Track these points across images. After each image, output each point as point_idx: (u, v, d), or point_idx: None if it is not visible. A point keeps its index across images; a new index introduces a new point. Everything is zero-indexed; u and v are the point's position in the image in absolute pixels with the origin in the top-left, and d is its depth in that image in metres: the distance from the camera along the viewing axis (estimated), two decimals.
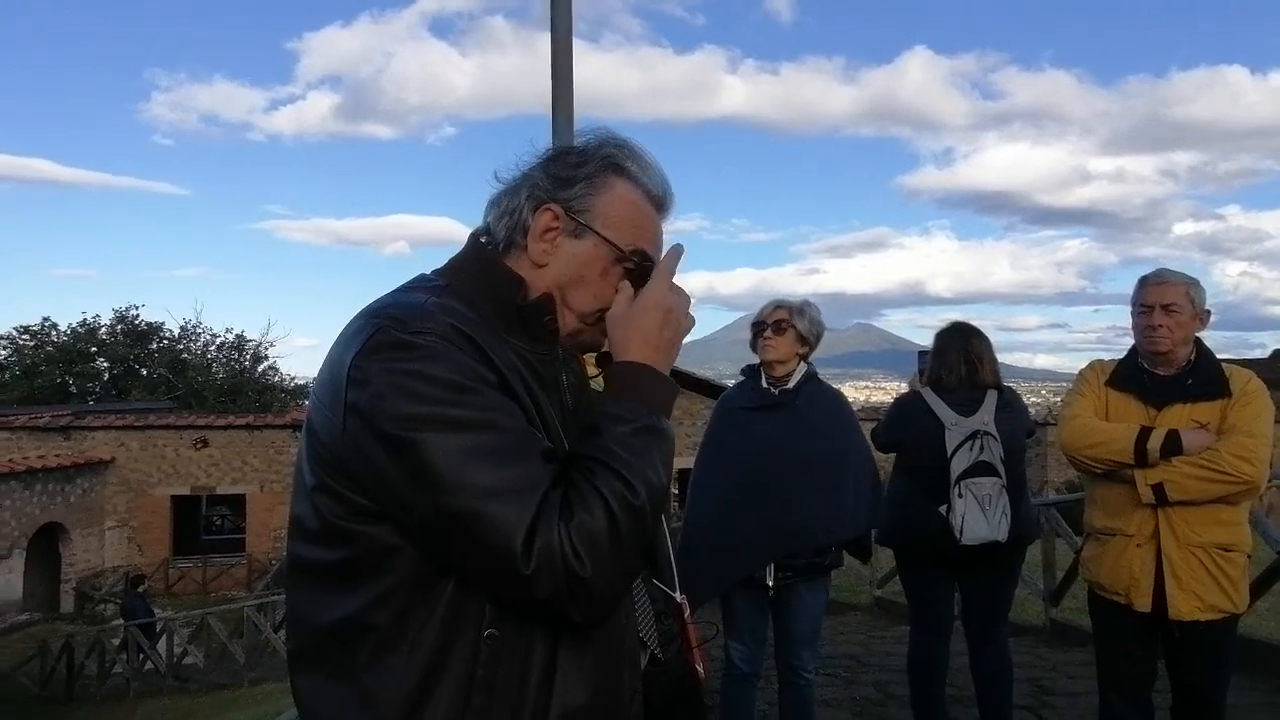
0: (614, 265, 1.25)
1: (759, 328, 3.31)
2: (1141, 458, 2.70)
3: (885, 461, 3.77)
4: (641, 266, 1.26)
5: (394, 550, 1.08)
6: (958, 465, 3.28)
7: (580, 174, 1.25)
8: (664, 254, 1.27)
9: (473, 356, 1.09)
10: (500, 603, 1.09)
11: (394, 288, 1.23)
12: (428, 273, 1.28)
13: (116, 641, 14.84)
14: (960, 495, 3.26)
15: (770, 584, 3.17)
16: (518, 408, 1.11)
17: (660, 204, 1.31)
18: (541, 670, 1.12)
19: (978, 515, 3.24)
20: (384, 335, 1.08)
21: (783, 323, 3.24)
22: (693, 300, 1.28)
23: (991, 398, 3.39)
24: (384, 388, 1.05)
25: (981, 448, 3.29)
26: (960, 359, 3.45)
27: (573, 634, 1.14)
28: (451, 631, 1.09)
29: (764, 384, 3.29)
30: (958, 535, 3.24)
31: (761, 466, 3.10)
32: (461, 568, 1.07)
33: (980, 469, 3.27)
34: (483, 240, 1.29)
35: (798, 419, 3.18)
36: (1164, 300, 2.77)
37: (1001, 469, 3.28)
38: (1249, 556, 2.82)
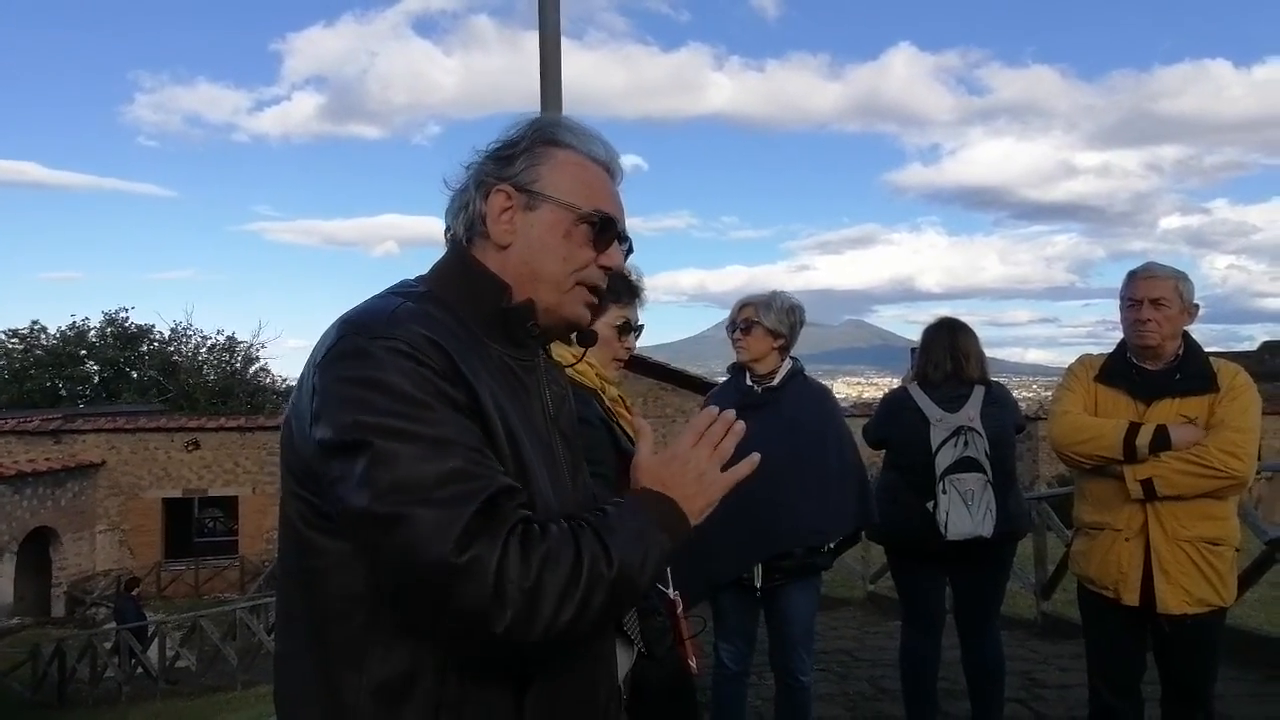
0: (576, 226, 1.25)
1: (730, 328, 3.29)
2: (1130, 453, 2.72)
3: (877, 457, 3.78)
4: (605, 222, 1.26)
5: (350, 563, 1.09)
6: (942, 461, 3.29)
7: (518, 151, 1.26)
8: (708, 421, 1.23)
9: (438, 369, 1.08)
10: (422, 620, 1.05)
11: (376, 293, 1.23)
12: (410, 278, 1.28)
13: (108, 645, 14.76)
14: (945, 491, 3.27)
15: (758, 585, 3.15)
16: (475, 427, 1.09)
17: (607, 166, 1.31)
18: (512, 690, 1.12)
19: (962, 511, 3.25)
20: (346, 343, 1.09)
21: (749, 321, 3.20)
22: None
23: (978, 393, 3.40)
24: (337, 394, 1.06)
25: (966, 443, 3.30)
26: (946, 355, 3.45)
27: (543, 677, 1.14)
28: (416, 649, 1.09)
29: (748, 382, 3.27)
30: (943, 531, 3.26)
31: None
32: (389, 577, 1.04)
33: (965, 464, 3.28)
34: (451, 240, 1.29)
35: (782, 417, 3.14)
36: (1152, 294, 2.78)
37: (987, 465, 3.29)
38: (1237, 550, 2.85)
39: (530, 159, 1.25)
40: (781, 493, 2.98)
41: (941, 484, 3.28)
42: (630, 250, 1.34)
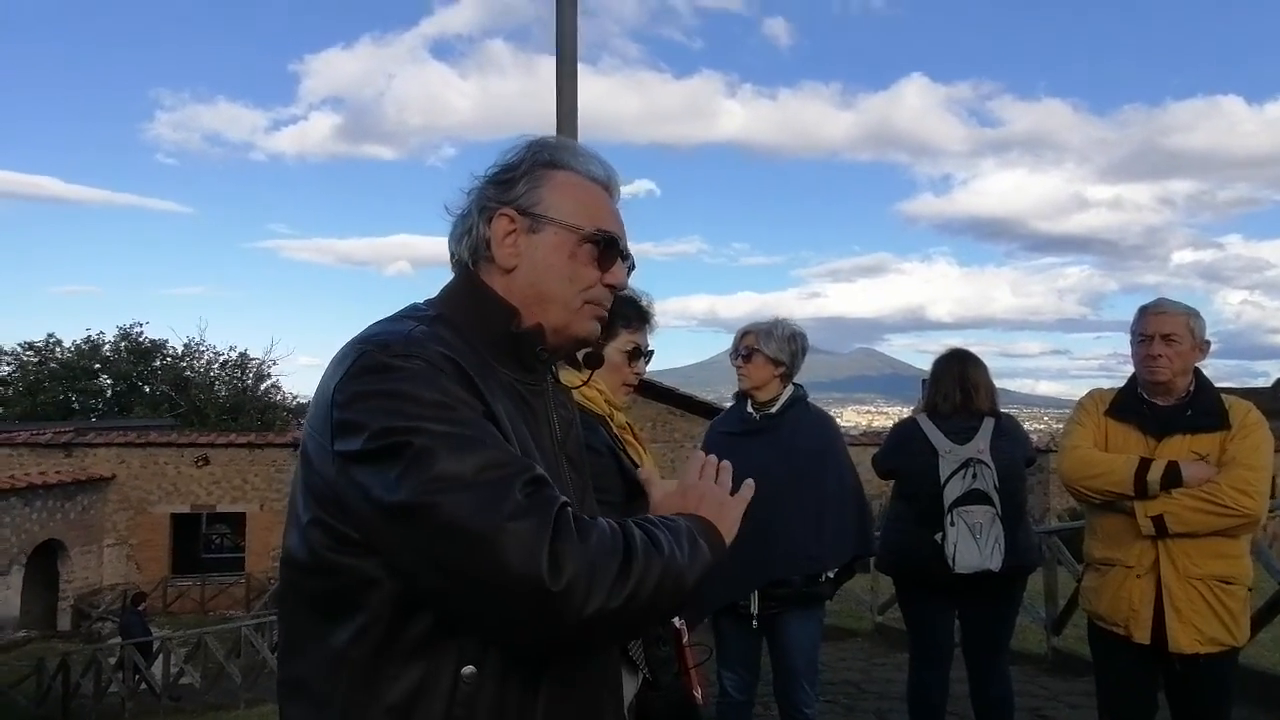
0: (580, 246, 1.26)
1: (733, 355, 3.31)
2: (1141, 489, 2.70)
3: (886, 487, 3.76)
4: (608, 242, 1.28)
5: (374, 583, 1.08)
6: (950, 493, 3.28)
7: (518, 174, 1.28)
8: (701, 465, 1.32)
9: (458, 382, 1.10)
10: (474, 602, 1.04)
11: (385, 316, 1.25)
12: (419, 302, 1.29)
13: (113, 660, 14.74)
14: (953, 523, 3.25)
15: (755, 613, 3.13)
16: (499, 432, 1.11)
17: (605, 185, 1.33)
18: (520, 710, 1.12)
19: (970, 544, 3.22)
20: (367, 359, 1.10)
21: (750, 349, 3.22)
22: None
23: (988, 425, 3.38)
24: (365, 407, 1.07)
25: (975, 475, 3.28)
26: (955, 386, 3.45)
27: (552, 674, 1.14)
28: (427, 669, 1.09)
29: (749, 409, 3.28)
30: (950, 563, 3.23)
31: None
32: (434, 569, 1.04)
33: (973, 497, 3.26)
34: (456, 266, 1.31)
35: (780, 444, 3.14)
36: (1163, 330, 2.78)
37: (995, 497, 3.27)
38: (1250, 589, 2.82)
39: (531, 182, 1.27)
40: (776, 519, 2.94)
41: (950, 516, 3.26)
42: (632, 268, 1.35)
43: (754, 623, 3.16)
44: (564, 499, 1.07)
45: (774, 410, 3.24)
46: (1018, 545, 3.33)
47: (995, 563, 3.23)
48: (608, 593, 1.02)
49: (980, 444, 3.33)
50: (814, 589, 3.19)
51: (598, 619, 1.02)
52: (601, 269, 1.28)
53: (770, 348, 3.20)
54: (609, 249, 1.28)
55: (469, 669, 1.09)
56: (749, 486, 1.30)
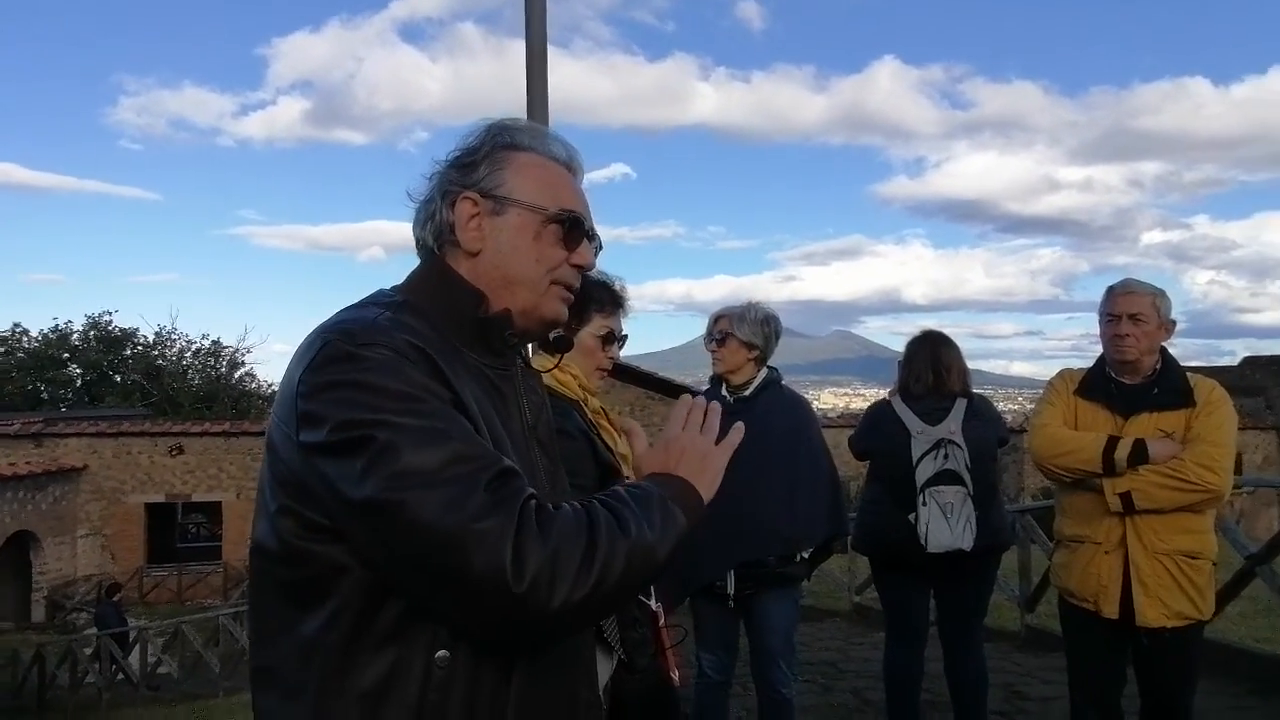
0: (545, 227, 1.26)
1: (707, 339, 3.31)
2: (1109, 466, 2.75)
3: (863, 468, 3.80)
4: (573, 221, 1.27)
5: (344, 570, 1.08)
6: (923, 473, 3.31)
7: (479, 157, 1.27)
8: (687, 409, 1.28)
9: (425, 371, 1.09)
10: (439, 599, 1.05)
11: (351, 303, 1.23)
12: (386, 288, 1.29)
13: (89, 651, 14.61)
14: (925, 503, 3.28)
15: (731, 593, 3.16)
16: (467, 421, 1.10)
17: (568, 165, 1.32)
18: (494, 693, 1.12)
19: (941, 523, 3.26)
20: (331, 349, 1.09)
21: (724, 333, 3.22)
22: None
23: (960, 406, 3.41)
24: (327, 397, 1.06)
25: (946, 456, 3.31)
26: (927, 368, 3.48)
27: (526, 657, 1.14)
28: (400, 655, 1.09)
29: (723, 393, 3.28)
30: (923, 543, 3.27)
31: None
32: (403, 560, 1.03)
33: (945, 477, 3.30)
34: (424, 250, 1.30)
35: (753, 426, 3.16)
36: (1130, 310, 2.82)
37: (967, 477, 3.31)
38: (1215, 564, 2.87)
39: (492, 164, 1.26)
40: (750, 500, 2.97)
41: (922, 496, 3.30)
42: (600, 248, 1.35)
43: (730, 602, 3.18)
44: (530, 491, 1.06)
45: (747, 393, 3.24)
46: (990, 524, 3.37)
47: (967, 542, 3.27)
48: (572, 584, 1.01)
49: (952, 425, 3.37)
50: (789, 569, 3.21)
51: (564, 610, 1.01)
52: (567, 249, 1.27)
53: (744, 331, 3.20)
54: (574, 229, 1.27)
55: (442, 654, 1.09)
56: (738, 430, 1.28)
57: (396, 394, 1.05)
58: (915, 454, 3.34)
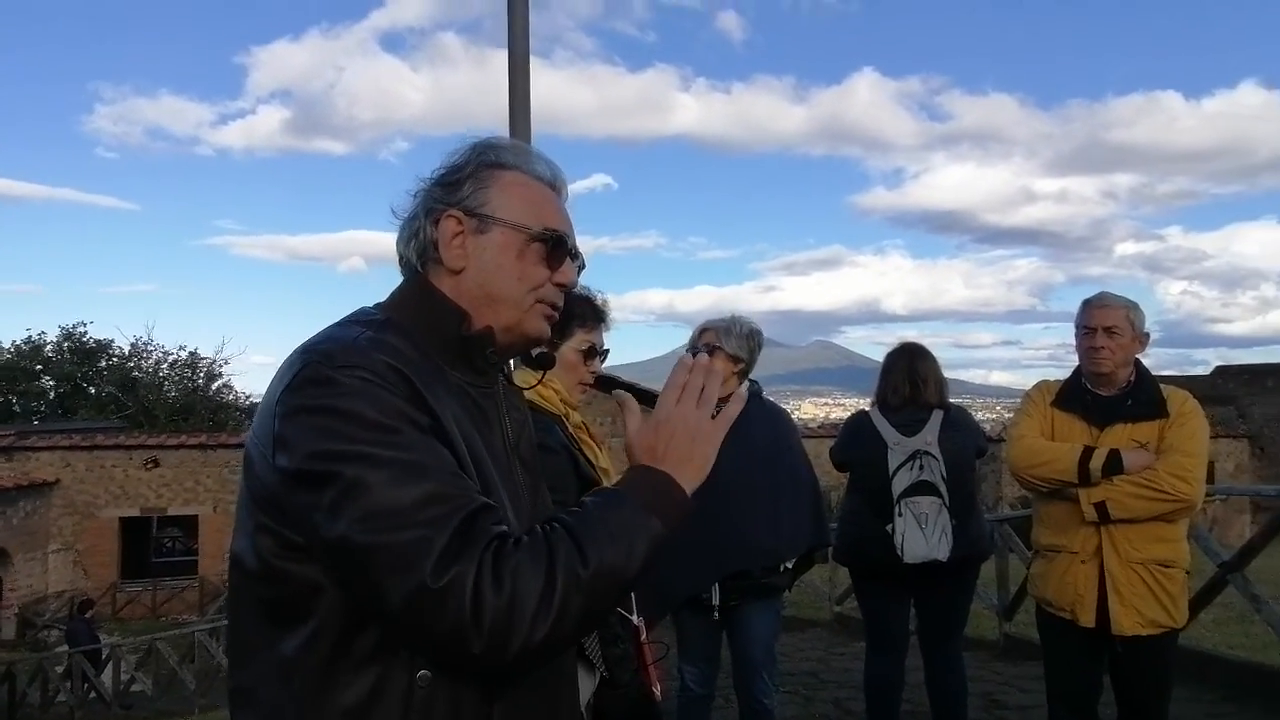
0: (529, 246, 1.26)
1: (692, 353, 3.30)
2: (1084, 477, 2.79)
3: (842, 478, 3.82)
4: (556, 240, 1.27)
5: (320, 589, 1.08)
6: (898, 485, 3.34)
7: (464, 175, 1.27)
8: (686, 372, 1.24)
9: (403, 395, 1.09)
10: (406, 644, 1.06)
11: (334, 321, 1.23)
12: (369, 305, 1.28)
13: (60, 669, 14.37)
14: (900, 514, 3.31)
15: (716, 604, 3.16)
16: (445, 451, 1.10)
17: (552, 184, 1.33)
18: (477, 711, 1.12)
19: (916, 534, 3.28)
20: (310, 370, 1.09)
21: (710, 346, 3.20)
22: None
23: (936, 417, 3.44)
24: (303, 423, 1.06)
25: (922, 467, 3.34)
26: (904, 379, 3.51)
27: (508, 680, 1.14)
28: (381, 674, 1.08)
29: None
30: (899, 553, 3.29)
31: (702, 486, 3.05)
32: (372, 602, 1.04)
33: (920, 488, 3.32)
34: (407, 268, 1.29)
35: (737, 438, 3.16)
36: (1105, 323, 2.86)
37: (943, 488, 3.33)
38: (1188, 572, 2.91)
39: (477, 183, 1.26)
40: (734, 511, 2.99)
41: (898, 507, 3.32)
42: (583, 267, 1.35)
43: (715, 614, 3.18)
44: (495, 532, 1.05)
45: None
46: (969, 535, 3.40)
47: (942, 553, 3.29)
48: (529, 628, 1.00)
49: (928, 436, 3.39)
50: (773, 579, 3.22)
51: (524, 652, 1.01)
52: (550, 268, 1.27)
53: (730, 345, 3.20)
54: (557, 248, 1.27)
55: (423, 673, 1.09)
56: (738, 400, 1.27)
57: (372, 424, 1.04)
58: (891, 465, 3.37)
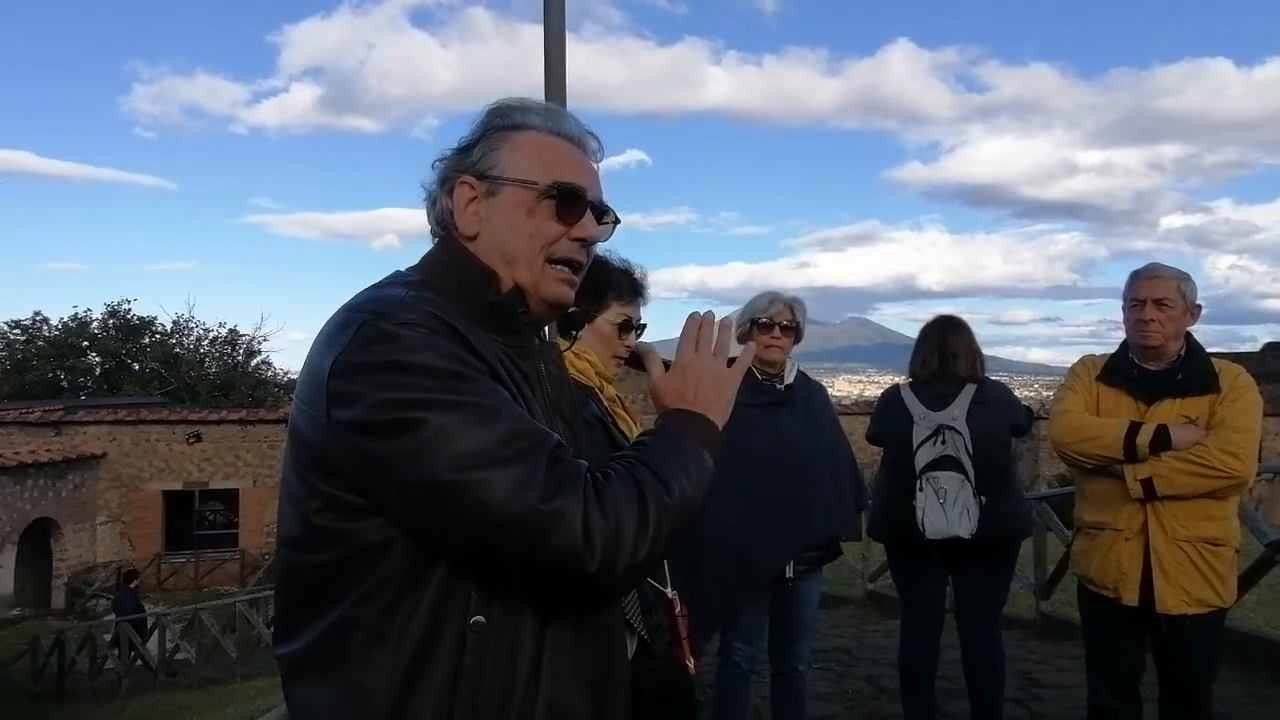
0: (538, 202, 1.24)
1: (766, 326, 3.14)
2: (1131, 453, 2.72)
3: (876, 454, 3.79)
4: (566, 193, 1.25)
5: (385, 544, 1.08)
6: (921, 459, 3.30)
7: (475, 140, 1.28)
8: (698, 326, 1.28)
9: (459, 345, 1.10)
10: (511, 573, 1.08)
11: (372, 284, 1.23)
12: (402, 269, 1.28)
13: (108, 637, 14.79)
14: (922, 489, 3.28)
15: (790, 577, 3.19)
16: (507, 395, 1.12)
17: (570, 137, 1.31)
18: (529, 658, 1.12)
19: (937, 509, 3.24)
20: (369, 329, 1.08)
21: (791, 324, 3.17)
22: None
23: (968, 391, 3.36)
24: (371, 379, 1.05)
25: (944, 442, 3.28)
26: (934, 353, 3.44)
27: (560, 623, 1.15)
28: (438, 621, 1.09)
29: (761, 379, 3.21)
30: (921, 529, 3.26)
31: (779, 463, 3.06)
32: (472, 541, 1.05)
33: (942, 463, 3.27)
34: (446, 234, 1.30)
35: (801, 414, 3.21)
36: (1155, 294, 2.78)
37: (967, 463, 3.25)
38: (1237, 550, 2.84)
39: (486, 145, 1.26)
40: (810, 484, 3.08)
41: (920, 482, 3.28)
42: (616, 221, 1.33)
43: (789, 584, 3.21)
44: (584, 464, 1.09)
45: (791, 380, 3.26)
46: (1002, 512, 3.32)
47: (964, 529, 3.22)
48: (633, 550, 1.05)
49: (955, 410, 3.32)
50: (832, 548, 3.34)
51: (628, 575, 1.07)
52: (565, 223, 1.25)
53: (804, 323, 3.22)
54: (569, 200, 1.25)
55: (478, 619, 1.09)
56: (749, 351, 1.33)
57: (441, 372, 1.06)
58: (915, 439, 3.33)
